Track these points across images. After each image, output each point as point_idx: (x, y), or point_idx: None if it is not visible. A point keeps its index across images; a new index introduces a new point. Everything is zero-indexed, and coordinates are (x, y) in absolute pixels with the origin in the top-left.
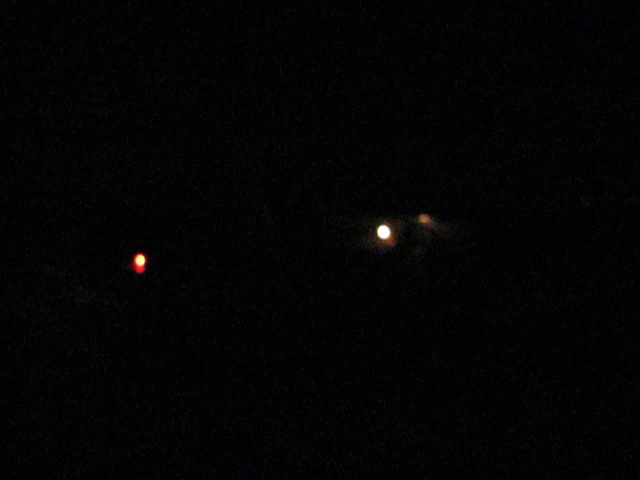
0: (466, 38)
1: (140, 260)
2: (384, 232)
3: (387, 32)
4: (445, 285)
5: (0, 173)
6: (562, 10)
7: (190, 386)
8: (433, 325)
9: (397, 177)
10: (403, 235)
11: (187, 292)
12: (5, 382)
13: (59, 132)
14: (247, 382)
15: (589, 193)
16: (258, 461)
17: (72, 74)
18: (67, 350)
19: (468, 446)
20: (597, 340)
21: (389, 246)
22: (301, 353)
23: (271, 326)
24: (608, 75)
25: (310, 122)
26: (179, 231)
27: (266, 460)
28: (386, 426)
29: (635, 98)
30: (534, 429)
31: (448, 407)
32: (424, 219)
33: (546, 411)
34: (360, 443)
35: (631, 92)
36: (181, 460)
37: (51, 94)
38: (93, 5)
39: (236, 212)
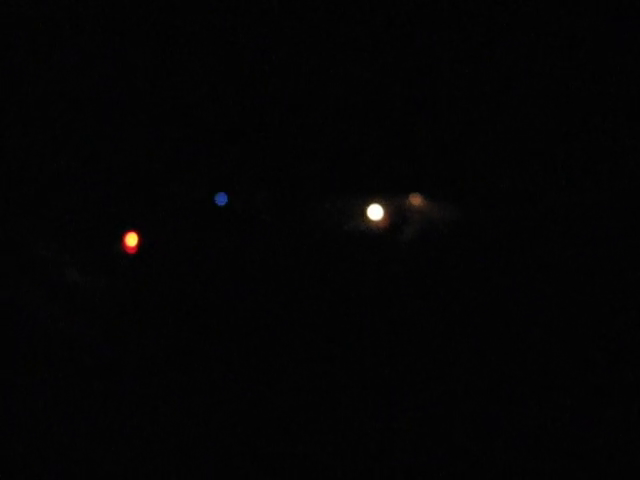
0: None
1: (132, 240)
2: (375, 213)
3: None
4: (437, 267)
5: None
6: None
7: (185, 371)
8: (425, 308)
9: (388, 157)
10: (394, 216)
11: (181, 273)
12: None
13: (47, 114)
14: (239, 365)
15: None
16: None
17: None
18: (59, 331)
19: (461, 438)
20: (596, 326)
21: (380, 227)
22: (294, 337)
23: (263, 309)
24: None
25: (296, 101)
26: (172, 210)
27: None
28: (380, 418)
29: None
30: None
31: (445, 396)
32: (416, 200)
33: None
34: (346, 433)
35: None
36: (176, 450)
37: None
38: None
39: (227, 193)
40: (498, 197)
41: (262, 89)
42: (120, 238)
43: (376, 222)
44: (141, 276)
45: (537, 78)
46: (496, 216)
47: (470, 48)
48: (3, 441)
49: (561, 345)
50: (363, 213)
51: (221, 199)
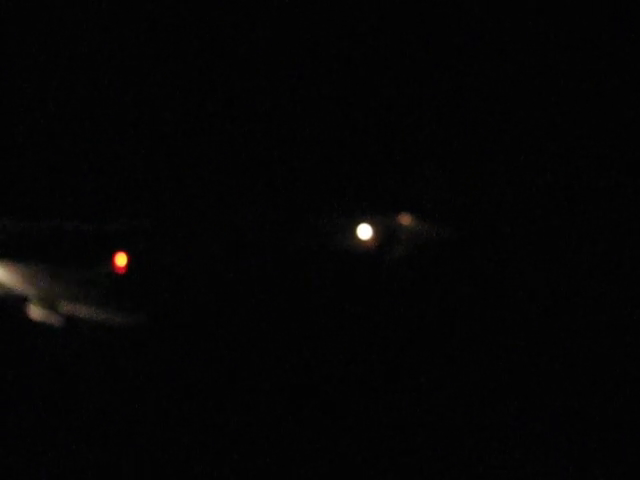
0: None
1: (121, 260)
2: (364, 232)
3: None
4: (426, 286)
5: None
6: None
7: (175, 386)
8: (414, 326)
9: (378, 176)
10: (384, 235)
11: (170, 292)
12: None
13: (42, 131)
14: (231, 379)
15: None
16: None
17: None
18: (50, 352)
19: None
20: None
21: (369, 246)
22: (283, 354)
23: (253, 326)
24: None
25: (289, 120)
26: (161, 230)
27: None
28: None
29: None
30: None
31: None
32: (405, 219)
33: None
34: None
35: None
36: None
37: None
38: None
39: (218, 212)
40: (487, 217)
41: (255, 109)
42: (110, 258)
43: (365, 241)
44: (131, 295)
45: (522, 103)
46: (485, 236)
47: (451, 76)
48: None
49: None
50: (353, 232)
51: None
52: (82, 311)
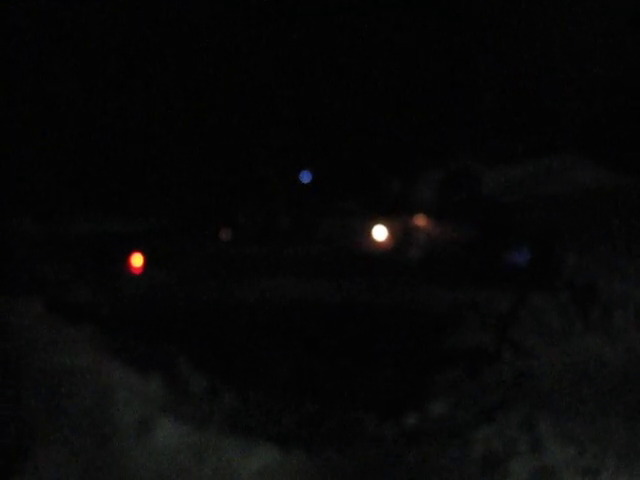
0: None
1: (137, 260)
2: (380, 233)
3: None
4: (440, 286)
5: None
6: None
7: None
8: (428, 324)
9: (392, 178)
10: (399, 236)
11: (185, 293)
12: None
13: (57, 130)
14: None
15: None
16: None
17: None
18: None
19: None
20: None
21: (385, 247)
22: (296, 358)
23: (266, 326)
24: None
25: (306, 124)
26: (176, 231)
27: None
28: None
29: None
30: None
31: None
32: (420, 220)
33: None
34: None
35: None
36: None
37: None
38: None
39: (231, 213)
40: (500, 218)
41: (271, 115)
42: (126, 258)
43: (381, 242)
44: (146, 295)
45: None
46: (499, 237)
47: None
48: None
49: None
50: (368, 233)
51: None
52: (98, 308)
